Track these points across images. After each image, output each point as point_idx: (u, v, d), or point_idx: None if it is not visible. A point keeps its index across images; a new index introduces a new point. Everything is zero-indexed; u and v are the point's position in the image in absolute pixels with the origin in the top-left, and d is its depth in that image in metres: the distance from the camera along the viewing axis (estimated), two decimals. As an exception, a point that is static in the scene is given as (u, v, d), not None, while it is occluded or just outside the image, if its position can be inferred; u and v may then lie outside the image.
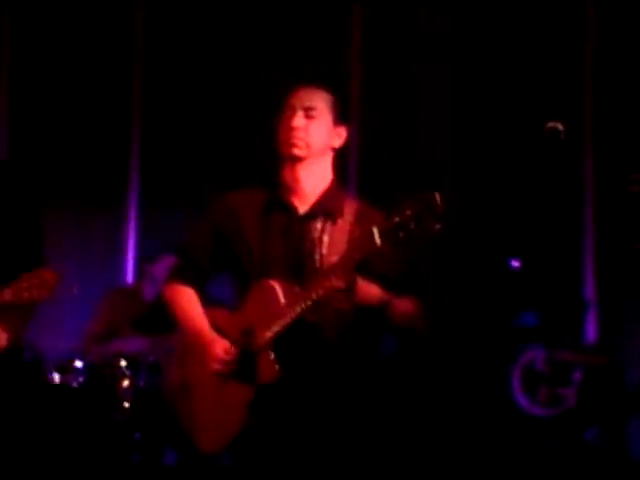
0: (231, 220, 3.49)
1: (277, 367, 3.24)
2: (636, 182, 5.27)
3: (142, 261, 6.32)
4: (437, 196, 2.98)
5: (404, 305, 3.31)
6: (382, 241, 3.03)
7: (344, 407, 3.33)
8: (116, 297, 6.07)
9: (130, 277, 7.04)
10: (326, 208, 3.42)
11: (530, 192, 5.81)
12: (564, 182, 5.88)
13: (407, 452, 5.29)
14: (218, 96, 6.91)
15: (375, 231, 3.05)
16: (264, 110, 6.43)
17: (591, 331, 6.12)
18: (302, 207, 3.45)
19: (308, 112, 3.43)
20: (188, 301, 3.53)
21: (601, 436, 5.52)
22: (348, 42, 6.71)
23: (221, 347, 3.36)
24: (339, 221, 3.39)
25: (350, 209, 3.43)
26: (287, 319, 3.23)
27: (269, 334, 3.26)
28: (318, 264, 3.34)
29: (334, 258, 3.27)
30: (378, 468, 3.89)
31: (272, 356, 3.25)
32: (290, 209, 3.44)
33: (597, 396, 5.45)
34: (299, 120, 3.41)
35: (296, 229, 3.41)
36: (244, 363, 3.32)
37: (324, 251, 3.36)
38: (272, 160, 3.50)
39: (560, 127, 3.30)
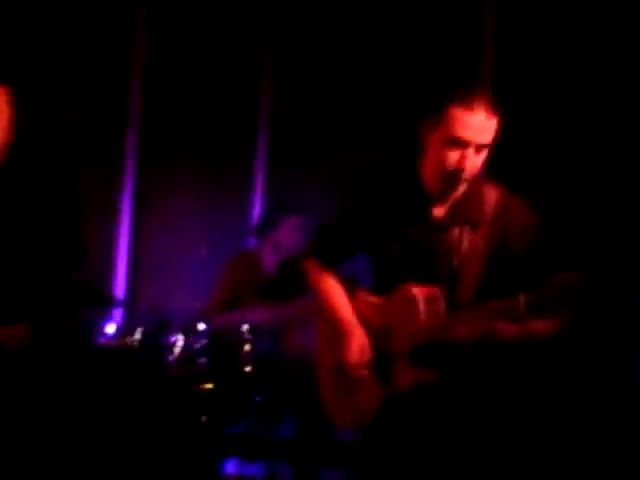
0: (376, 218, 3.41)
1: (412, 378, 3.23)
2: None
3: (263, 225, 6.18)
4: (586, 281, 2.93)
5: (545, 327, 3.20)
6: (526, 310, 3.01)
7: (481, 424, 3.29)
8: (238, 265, 6.01)
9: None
10: (464, 215, 3.26)
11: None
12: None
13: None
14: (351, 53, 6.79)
15: (522, 300, 3.00)
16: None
17: None
18: (439, 211, 3.32)
19: (480, 148, 3.14)
20: (333, 285, 3.52)
21: None
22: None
23: (358, 343, 3.35)
24: (478, 227, 3.24)
25: (489, 205, 3.24)
26: (425, 337, 3.21)
27: (406, 344, 3.25)
28: (455, 270, 3.25)
29: (474, 266, 3.21)
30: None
31: (408, 365, 3.24)
32: (429, 218, 3.31)
33: None
34: (471, 160, 3.14)
35: (433, 238, 3.29)
36: (380, 364, 3.33)
37: (462, 257, 3.24)
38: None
39: None
